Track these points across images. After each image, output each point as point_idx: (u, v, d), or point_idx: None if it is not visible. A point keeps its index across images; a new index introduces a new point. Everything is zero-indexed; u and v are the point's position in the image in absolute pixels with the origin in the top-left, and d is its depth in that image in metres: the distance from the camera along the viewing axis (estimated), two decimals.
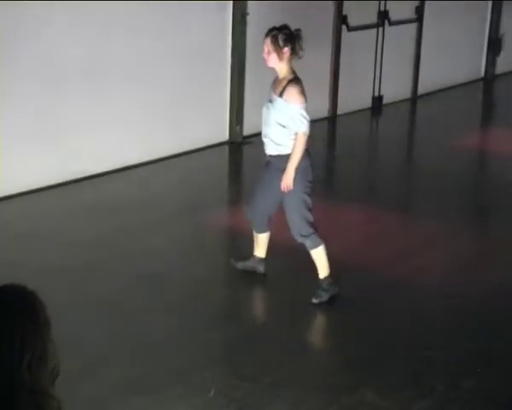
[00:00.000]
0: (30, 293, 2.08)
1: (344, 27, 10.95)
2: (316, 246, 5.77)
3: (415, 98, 12.41)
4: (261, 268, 6.14)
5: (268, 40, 5.61)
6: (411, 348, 5.30)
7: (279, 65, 5.63)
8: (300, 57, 5.65)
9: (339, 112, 11.16)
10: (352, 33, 11.05)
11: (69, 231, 6.88)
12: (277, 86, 5.66)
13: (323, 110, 11.02)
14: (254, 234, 6.12)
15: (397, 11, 11.64)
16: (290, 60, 5.64)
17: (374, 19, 11.43)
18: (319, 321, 5.72)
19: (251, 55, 9.57)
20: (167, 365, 4.96)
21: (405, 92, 12.28)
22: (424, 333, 5.50)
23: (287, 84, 5.59)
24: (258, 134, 9.86)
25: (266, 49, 5.62)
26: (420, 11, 12.18)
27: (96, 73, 8.05)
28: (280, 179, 5.63)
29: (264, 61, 5.67)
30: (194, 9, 8.89)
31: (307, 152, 5.73)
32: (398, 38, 11.79)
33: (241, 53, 9.50)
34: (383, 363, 5.08)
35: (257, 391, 4.70)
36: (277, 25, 5.75)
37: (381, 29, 11.51)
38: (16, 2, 7.14)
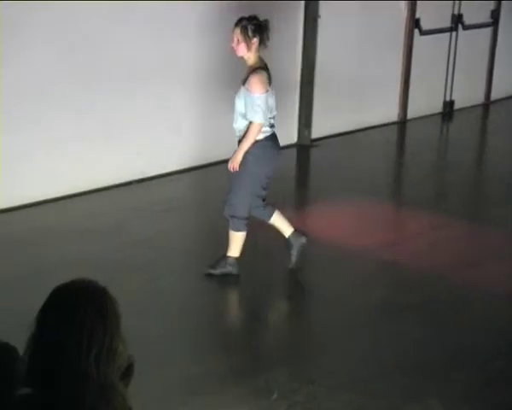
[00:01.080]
0: (100, 288, 2.10)
1: (416, 31, 10.80)
2: (235, 229, 5.89)
3: (487, 104, 12.16)
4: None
5: (238, 30, 5.71)
6: (480, 358, 5.16)
7: (247, 54, 5.74)
8: (267, 47, 5.77)
9: (409, 116, 11.02)
10: (425, 37, 10.89)
11: (133, 229, 6.94)
12: (245, 75, 5.75)
13: (393, 115, 10.89)
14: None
15: (471, 15, 11.42)
16: (258, 50, 5.73)
17: (447, 22, 11.24)
18: (384, 328, 5.62)
19: (321, 58, 9.53)
20: (228, 365, 4.94)
21: (478, 97, 12.04)
22: (493, 343, 5.36)
23: (250, 73, 5.67)
24: (327, 137, 9.96)
25: (236, 39, 5.71)
26: (495, 15, 11.92)
27: (165, 74, 8.11)
28: (240, 164, 5.73)
29: (232, 50, 5.76)
30: (265, 12, 8.87)
31: (269, 143, 5.80)
32: (472, 43, 11.57)
33: (312, 57, 9.46)
34: (451, 372, 4.96)
35: (319, 396, 4.64)
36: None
37: (454, 33, 11.31)
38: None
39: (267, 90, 5.70)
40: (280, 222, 6.08)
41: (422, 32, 10.87)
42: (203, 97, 8.48)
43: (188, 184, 8.32)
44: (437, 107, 11.49)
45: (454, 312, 5.77)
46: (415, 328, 5.53)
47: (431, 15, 10.88)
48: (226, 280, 6.01)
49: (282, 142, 9.51)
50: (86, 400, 1.96)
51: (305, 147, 9.65)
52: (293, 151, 9.58)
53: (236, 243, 5.95)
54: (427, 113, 11.27)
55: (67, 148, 7.43)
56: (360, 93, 10.23)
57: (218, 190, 7.95)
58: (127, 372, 2.11)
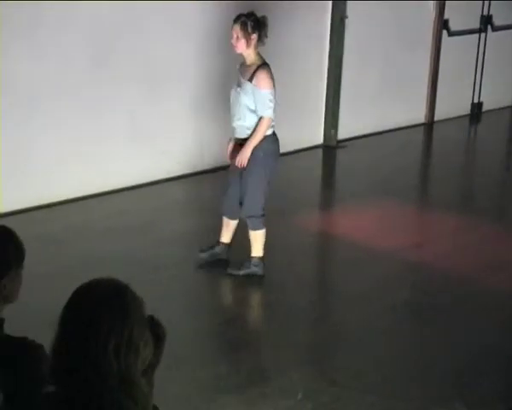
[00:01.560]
0: (122, 285, 2.10)
1: (444, 32, 10.73)
2: (256, 228, 5.93)
3: None
4: (225, 255, 6.16)
5: (237, 26, 5.74)
6: (506, 361, 5.12)
7: (247, 51, 5.78)
8: (264, 44, 5.81)
9: (436, 118, 10.95)
10: (453, 38, 10.82)
11: (158, 228, 6.96)
12: (246, 71, 5.79)
13: (420, 116, 10.84)
14: (225, 220, 6.12)
15: (501, 16, 11.33)
16: (256, 46, 5.78)
17: (476, 23, 11.16)
18: (409, 330, 5.59)
19: (348, 59, 9.50)
20: (253, 364, 4.95)
21: (506, 100, 11.94)
22: None
23: (256, 70, 5.72)
24: (353, 138, 9.93)
25: (235, 36, 5.75)
26: None
27: (189, 74, 8.13)
28: (250, 161, 5.76)
29: (234, 47, 5.79)
30: (291, 12, 8.88)
31: (275, 138, 5.89)
32: (501, 44, 11.48)
33: (339, 57, 9.43)
34: (476, 375, 4.92)
35: (345, 397, 4.62)
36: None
37: (483, 34, 11.23)
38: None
39: (274, 86, 5.77)
40: (233, 227, 6.14)
41: (451, 33, 10.80)
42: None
43: (214, 185, 8.32)
44: (465, 108, 11.42)
45: (480, 314, 5.73)
46: (440, 330, 5.50)
47: (460, 16, 10.81)
48: (250, 280, 6.01)
49: (309, 142, 9.62)
50: (107, 394, 1.97)
51: (331, 148, 9.62)
52: (320, 152, 9.56)
53: (259, 241, 5.97)
54: (455, 114, 11.20)
55: (93, 148, 7.47)
56: (387, 94, 10.19)
57: None
58: (151, 369, 2.12)
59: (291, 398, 4.58)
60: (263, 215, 5.93)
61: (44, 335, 2.67)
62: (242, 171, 5.86)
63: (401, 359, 5.19)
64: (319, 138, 9.66)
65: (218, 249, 6.19)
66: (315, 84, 9.44)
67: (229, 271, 6.04)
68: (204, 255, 6.18)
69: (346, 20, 9.35)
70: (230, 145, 6.07)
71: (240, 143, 5.90)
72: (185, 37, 8.02)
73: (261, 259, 6.00)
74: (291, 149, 9.24)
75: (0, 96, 6.73)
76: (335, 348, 5.27)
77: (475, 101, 11.49)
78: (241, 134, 5.87)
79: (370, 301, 5.85)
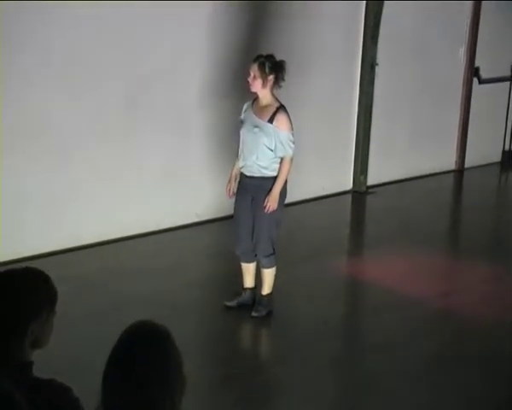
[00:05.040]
0: (162, 330, 2.19)
1: (475, 79, 10.76)
2: (272, 266, 6.07)
3: None
4: (251, 300, 6.20)
5: (255, 66, 5.82)
6: None
7: (262, 91, 5.84)
8: (280, 87, 5.88)
9: (466, 165, 10.93)
10: (484, 85, 10.84)
11: (190, 270, 7.00)
12: (263, 112, 5.87)
13: (450, 163, 10.83)
14: (244, 266, 6.17)
15: None
16: (273, 87, 5.84)
17: (507, 71, 11.17)
18: (439, 379, 5.53)
19: (378, 104, 9.54)
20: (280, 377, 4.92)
21: None
22: None
23: (276, 112, 5.82)
24: (383, 184, 9.93)
25: (252, 75, 5.82)
26: None
27: (221, 121, 8.22)
28: (261, 199, 5.84)
29: (248, 85, 5.86)
30: (323, 59, 8.96)
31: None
32: None
33: (369, 103, 9.48)
34: None
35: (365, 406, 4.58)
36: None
37: None
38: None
39: (293, 128, 5.89)
40: (253, 270, 6.20)
41: (481, 81, 10.82)
42: None
43: None
44: (496, 156, 11.39)
45: (510, 365, 5.66)
46: (470, 380, 5.42)
47: (490, 63, 10.83)
48: (276, 325, 6.06)
49: (338, 188, 9.64)
50: None
51: (360, 193, 9.63)
52: (349, 198, 9.57)
53: (272, 279, 6.12)
54: (486, 162, 11.17)
55: (126, 190, 7.55)
56: (417, 140, 10.20)
57: (282, 232, 7.96)
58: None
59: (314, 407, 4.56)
60: (275, 252, 6.06)
61: (73, 378, 2.70)
62: (256, 210, 5.91)
63: (430, 409, 5.14)
64: (348, 184, 9.67)
65: (244, 296, 6.24)
66: (345, 129, 9.48)
67: (254, 314, 6.10)
68: (231, 304, 6.22)
69: (377, 67, 9.42)
70: (233, 184, 6.11)
71: (250, 178, 5.92)
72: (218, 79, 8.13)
73: (270, 294, 6.17)
74: (320, 195, 9.28)
75: (36, 137, 6.85)
76: (364, 396, 5.22)
77: (506, 148, 11.46)
78: (255, 172, 5.92)
79: (399, 349, 5.80)
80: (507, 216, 9.65)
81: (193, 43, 7.78)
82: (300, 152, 8.93)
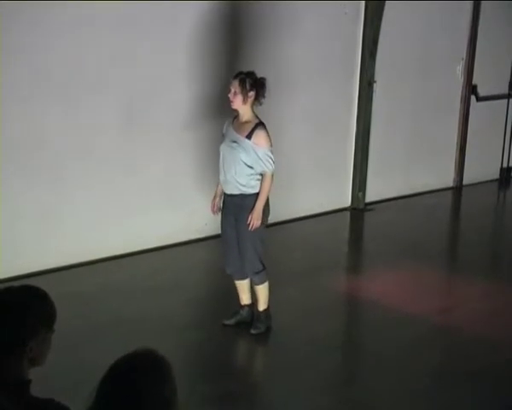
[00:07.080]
0: (159, 358, 2.18)
1: (473, 97, 10.79)
2: (264, 281, 6.08)
3: None
4: (250, 317, 6.23)
5: (236, 82, 5.86)
6: None
7: (242, 107, 5.85)
8: (261, 104, 5.92)
9: (465, 182, 10.95)
10: (481, 103, 10.87)
11: (190, 287, 6.99)
12: (242, 128, 5.88)
13: (448, 180, 10.85)
14: (238, 283, 6.20)
15: None
16: (253, 104, 5.86)
17: (505, 89, 11.21)
18: (439, 396, 5.50)
19: (376, 122, 9.57)
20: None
21: None
22: None
23: (255, 128, 5.84)
24: (381, 201, 9.94)
25: (233, 91, 5.86)
26: None
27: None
28: (243, 219, 5.84)
29: (231, 102, 5.87)
30: (320, 76, 8.99)
31: None
32: None
33: (367, 120, 9.50)
34: None
35: None
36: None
37: (511, 99, 11.27)
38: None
39: (272, 144, 5.91)
40: (248, 286, 6.22)
41: (479, 99, 10.85)
42: None
43: None
44: (494, 173, 11.41)
45: (510, 381, 5.64)
46: (470, 397, 5.41)
47: (488, 81, 10.87)
48: (276, 341, 6.04)
49: (337, 205, 9.65)
50: None
51: (359, 210, 9.64)
52: (347, 214, 9.57)
53: (266, 294, 6.14)
54: (484, 179, 11.20)
55: (122, 206, 7.56)
56: (415, 157, 10.22)
57: (280, 249, 7.98)
58: None
59: None
60: (265, 268, 6.05)
61: (71, 396, 2.69)
62: (239, 230, 5.92)
63: None
64: (347, 201, 9.68)
65: (243, 314, 6.26)
66: (343, 146, 9.50)
67: (253, 331, 6.12)
68: (230, 322, 6.23)
69: (375, 85, 9.45)
70: (218, 199, 6.14)
71: (230, 197, 5.94)
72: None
73: (267, 309, 6.19)
74: (318, 211, 9.29)
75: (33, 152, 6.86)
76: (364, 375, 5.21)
77: (504, 165, 11.49)
78: (234, 190, 5.91)
79: (400, 366, 5.79)
80: (505, 233, 9.66)
81: (181, 66, 7.81)
82: (299, 169, 9.03)
